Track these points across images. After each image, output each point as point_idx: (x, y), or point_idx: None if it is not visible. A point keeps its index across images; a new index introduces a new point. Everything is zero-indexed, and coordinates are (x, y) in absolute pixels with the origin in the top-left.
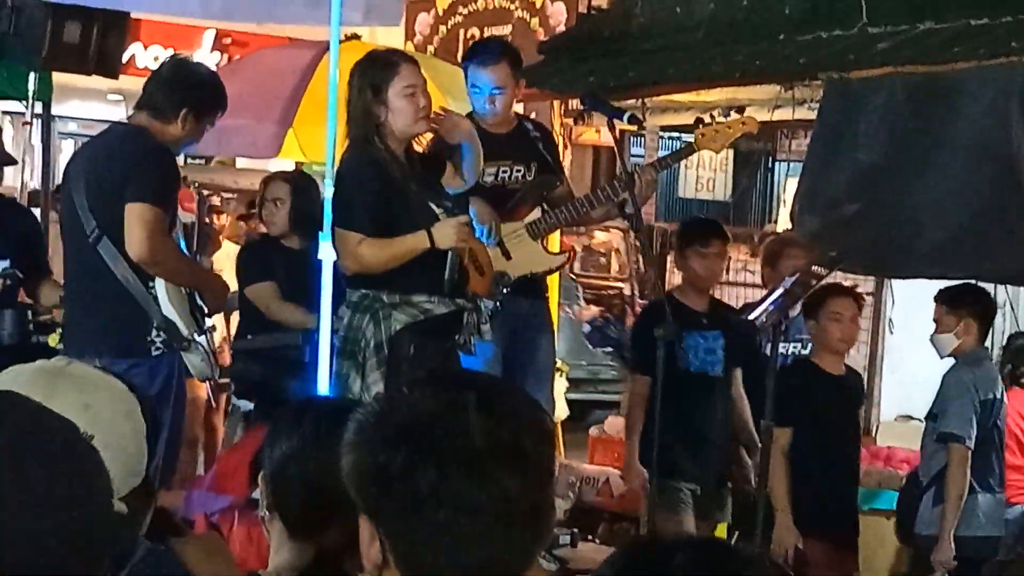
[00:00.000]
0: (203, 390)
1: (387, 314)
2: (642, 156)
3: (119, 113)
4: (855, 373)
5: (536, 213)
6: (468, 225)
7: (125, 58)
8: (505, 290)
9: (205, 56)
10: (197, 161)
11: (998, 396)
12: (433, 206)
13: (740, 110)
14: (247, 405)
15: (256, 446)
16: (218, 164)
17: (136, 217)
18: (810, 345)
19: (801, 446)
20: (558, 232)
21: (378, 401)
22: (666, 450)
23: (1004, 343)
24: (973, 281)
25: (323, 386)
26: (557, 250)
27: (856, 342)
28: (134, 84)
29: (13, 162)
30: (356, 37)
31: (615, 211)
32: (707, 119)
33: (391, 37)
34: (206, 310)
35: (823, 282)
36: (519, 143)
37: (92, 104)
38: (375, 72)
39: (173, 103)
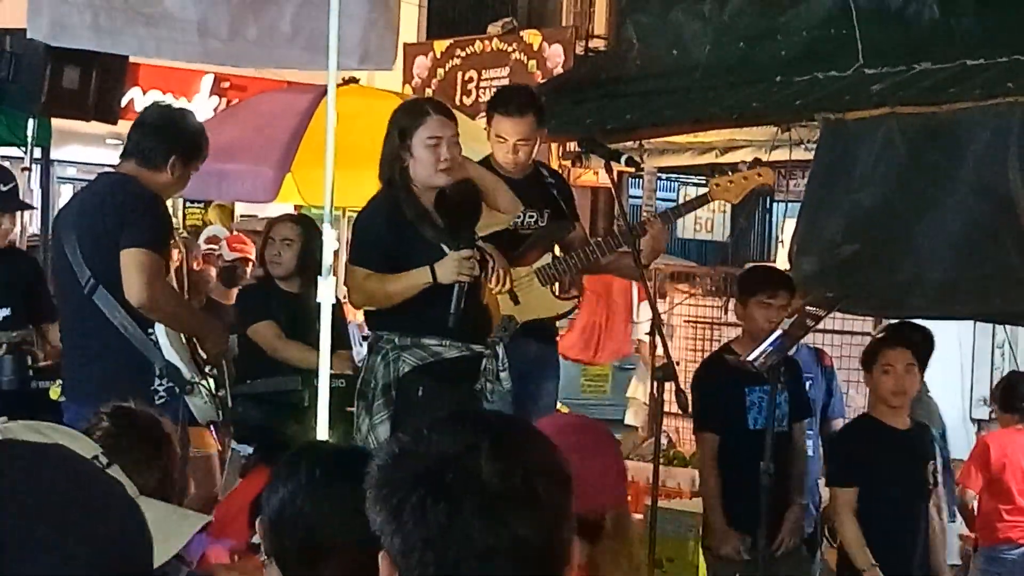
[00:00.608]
0: (215, 446)
1: (396, 356)
2: (640, 197)
3: (118, 158)
4: (921, 426)
5: (546, 258)
6: (471, 260)
7: (124, 103)
8: (508, 336)
9: (204, 100)
10: (196, 205)
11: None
12: (444, 247)
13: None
14: (247, 449)
15: (256, 491)
16: (216, 208)
17: (133, 263)
18: (809, 383)
19: (868, 504)
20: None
21: (398, 441)
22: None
23: (1001, 382)
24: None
25: (323, 431)
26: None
27: (911, 394)
28: None
29: (31, 207)
30: (354, 81)
31: (627, 259)
32: (721, 173)
33: (389, 81)
34: (206, 357)
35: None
36: (534, 189)
37: (91, 149)
38: (404, 118)
39: (162, 151)
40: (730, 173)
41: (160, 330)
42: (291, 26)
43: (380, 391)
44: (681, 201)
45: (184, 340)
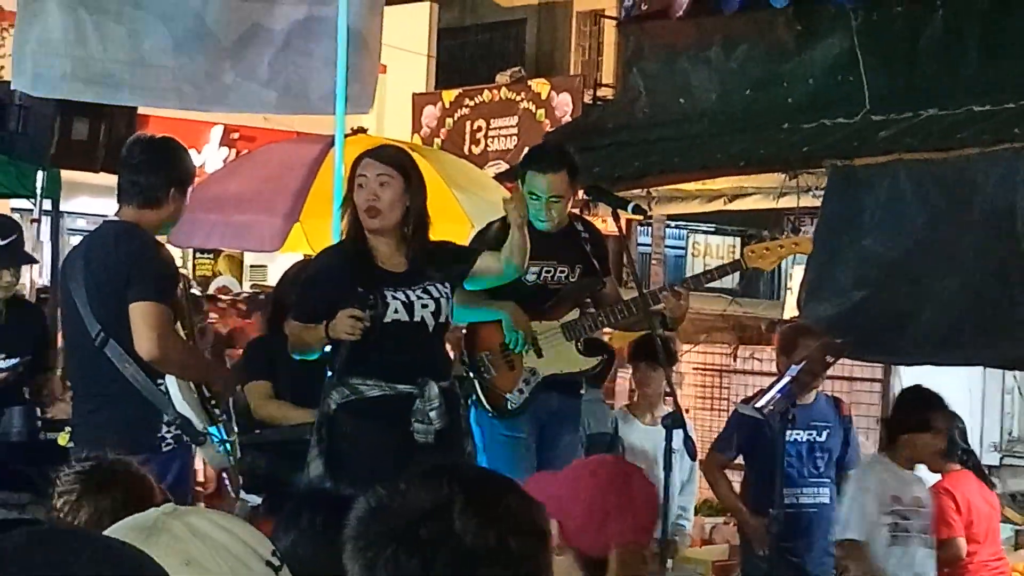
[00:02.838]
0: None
1: (327, 394)
2: (649, 244)
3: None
4: None
5: (574, 314)
6: (357, 320)
7: None
8: (530, 388)
9: (213, 151)
10: (206, 255)
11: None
12: (390, 294)
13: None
14: (255, 499)
15: None
16: (226, 258)
17: (142, 317)
18: (826, 432)
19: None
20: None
21: (375, 494)
22: None
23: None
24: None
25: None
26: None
27: None
28: None
29: (34, 261)
30: (363, 130)
31: (657, 320)
32: (759, 240)
33: (398, 131)
34: (213, 401)
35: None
36: (566, 244)
37: (100, 200)
38: (352, 165)
39: (160, 185)
40: (767, 239)
41: (171, 381)
42: (268, 71)
43: (314, 430)
44: (690, 249)
45: (194, 388)
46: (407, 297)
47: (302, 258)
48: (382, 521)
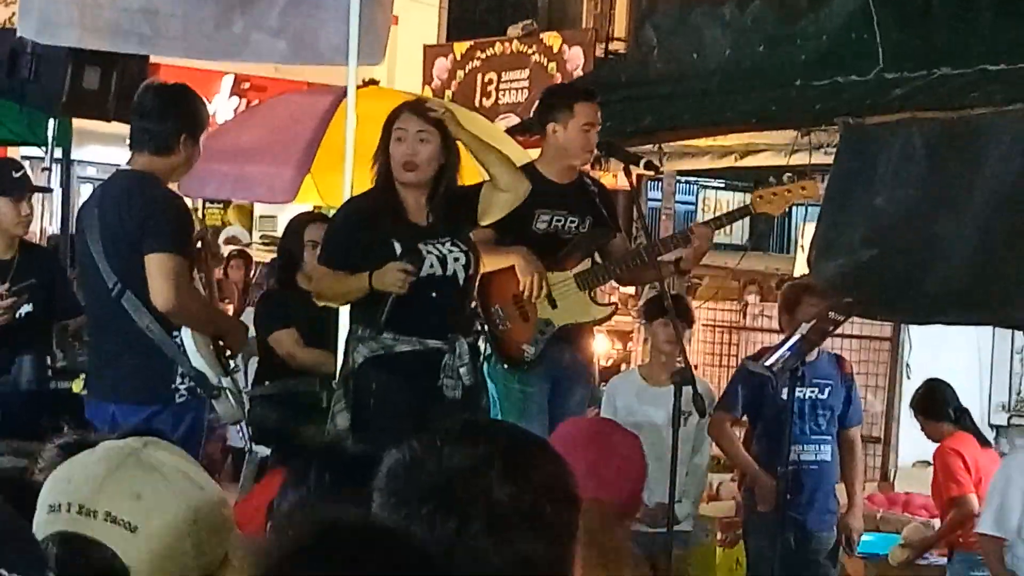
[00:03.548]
0: None
1: (354, 347)
2: (659, 200)
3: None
4: None
5: (586, 264)
6: (406, 273)
7: None
8: (545, 339)
9: (224, 101)
10: (216, 205)
11: None
12: (422, 247)
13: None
14: (264, 451)
15: (273, 492)
16: (235, 209)
17: (159, 268)
18: (828, 389)
19: None
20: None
21: (410, 450)
22: None
23: (919, 391)
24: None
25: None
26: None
27: None
28: None
29: (48, 190)
30: (374, 82)
31: (669, 269)
32: (766, 185)
33: (408, 82)
34: (228, 353)
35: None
36: (577, 195)
37: (111, 149)
38: (388, 115)
39: (171, 133)
40: (774, 184)
41: (187, 334)
42: (279, 21)
43: (340, 382)
44: (701, 205)
45: (209, 340)
46: (439, 250)
47: (308, 209)
48: (417, 477)
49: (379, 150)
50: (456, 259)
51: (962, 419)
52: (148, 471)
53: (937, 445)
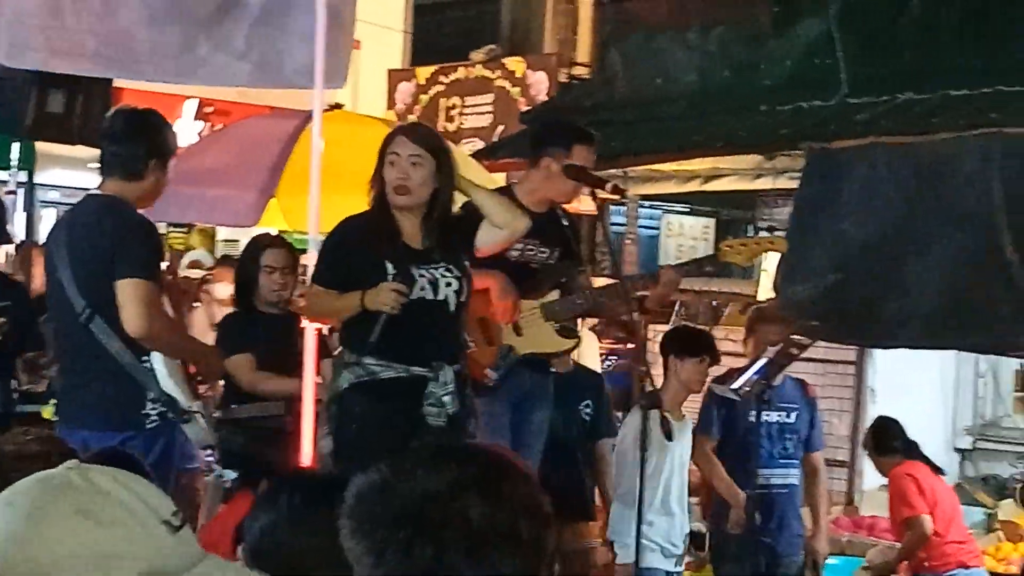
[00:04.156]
0: None
1: (339, 373)
2: (623, 225)
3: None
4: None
5: (554, 295)
6: (399, 293)
7: None
8: (507, 364)
9: (187, 125)
10: (179, 229)
11: None
12: (413, 270)
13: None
14: (230, 475)
15: (239, 516)
16: (199, 232)
17: (130, 294)
18: (795, 414)
19: None
20: None
21: (380, 473)
22: None
23: (870, 428)
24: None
25: (307, 457)
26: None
27: None
28: None
29: (9, 241)
30: (339, 106)
31: (633, 306)
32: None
33: (372, 107)
34: (200, 378)
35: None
36: (549, 226)
37: (74, 172)
38: (384, 140)
39: (140, 157)
40: (744, 238)
41: (157, 358)
42: (243, 44)
43: (324, 406)
44: (664, 229)
45: (180, 365)
46: (431, 274)
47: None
48: (390, 502)
49: (375, 174)
50: (448, 284)
51: (911, 451)
52: (86, 489)
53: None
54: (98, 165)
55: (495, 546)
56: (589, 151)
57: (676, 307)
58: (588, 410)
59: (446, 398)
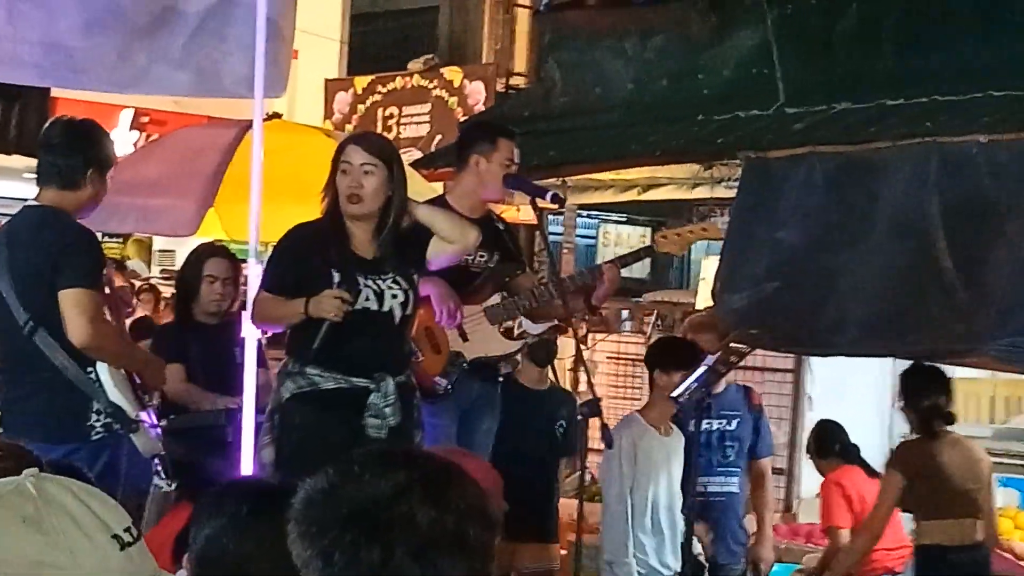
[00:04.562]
0: None
1: (282, 381)
2: (560, 234)
3: (35, 191)
4: None
5: (496, 298)
6: (343, 301)
7: None
8: (457, 371)
9: (123, 135)
10: (114, 239)
11: None
12: (361, 279)
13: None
14: (170, 485)
15: (179, 526)
16: (134, 243)
17: (73, 304)
18: (736, 421)
19: None
20: None
21: (328, 477)
22: None
23: (812, 432)
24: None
25: (247, 466)
26: None
27: None
28: None
29: None
30: (277, 116)
31: (579, 306)
32: (669, 226)
33: (309, 116)
34: (146, 388)
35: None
36: (486, 231)
37: (9, 183)
38: (337, 149)
39: (78, 167)
40: (677, 227)
41: (103, 369)
42: (181, 53)
43: (268, 415)
44: (601, 239)
45: (125, 375)
46: (377, 285)
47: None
48: (337, 505)
49: (328, 182)
50: (394, 296)
51: (849, 455)
52: (34, 498)
53: None
54: (35, 175)
55: (442, 549)
56: (512, 145)
57: (653, 318)
58: (561, 429)
59: (387, 410)
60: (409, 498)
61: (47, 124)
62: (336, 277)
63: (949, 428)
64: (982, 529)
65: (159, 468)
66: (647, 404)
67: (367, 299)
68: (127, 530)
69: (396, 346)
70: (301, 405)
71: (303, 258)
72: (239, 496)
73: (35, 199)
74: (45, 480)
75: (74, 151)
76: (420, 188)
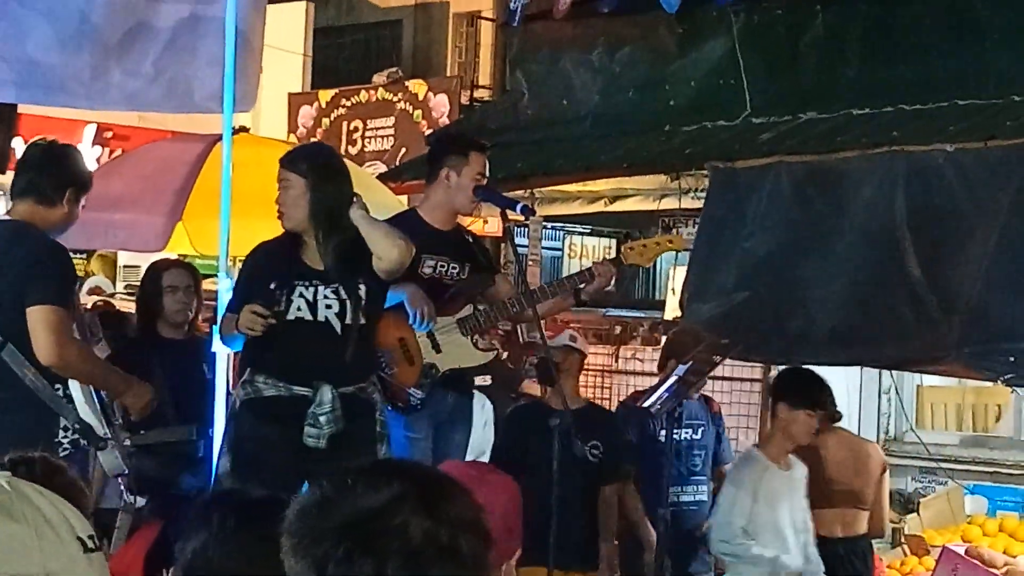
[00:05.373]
0: None
1: (238, 390)
2: (526, 246)
3: (8, 202)
4: None
5: (468, 310)
6: (259, 317)
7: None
8: (430, 382)
9: (86, 150)
10: (79, 255)
11: None
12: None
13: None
14: (139, 501)
15: (150, 541)
16: (99, 259)
17: (41, 321)
18: (701, 430)
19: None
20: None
21: (321, 489)
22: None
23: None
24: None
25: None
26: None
27: None
28: None
29: None
30: (244, 130)
31: (571, 302)
32: (635, 238)
33: (274, 131)
34: (127, 410)
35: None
36: (458, 243)
37: None
38: None
39: (56, 186)
40: (643, 238)
41: (74, 387)
42: (153, 68)
43: (226, 423)
44: (567, 250)
45: (93, 391)
46: (313, 296)
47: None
48: (331, 517)
49: None
50: (328, 306)
51: None
52: (8, 492)
53: None
54: (6, 192)
55: (435, 560)
56: (483, 159)
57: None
58: (596, 451)
59: (322, 419)
60: (402, 510)
61: (28, 145)
62: (273, 287)
63: (840, 425)
64: (866, 521)
65: (122, 485)
66: (766, 438)
67: (299, 309)
68: (91, 537)
69: (339, 356)
70: (248, 413)
71: (257, 276)
72: (226, 508)
73: (6, 213)
74: (18, 481)
75: (53, 170)
76: (388, 201)
